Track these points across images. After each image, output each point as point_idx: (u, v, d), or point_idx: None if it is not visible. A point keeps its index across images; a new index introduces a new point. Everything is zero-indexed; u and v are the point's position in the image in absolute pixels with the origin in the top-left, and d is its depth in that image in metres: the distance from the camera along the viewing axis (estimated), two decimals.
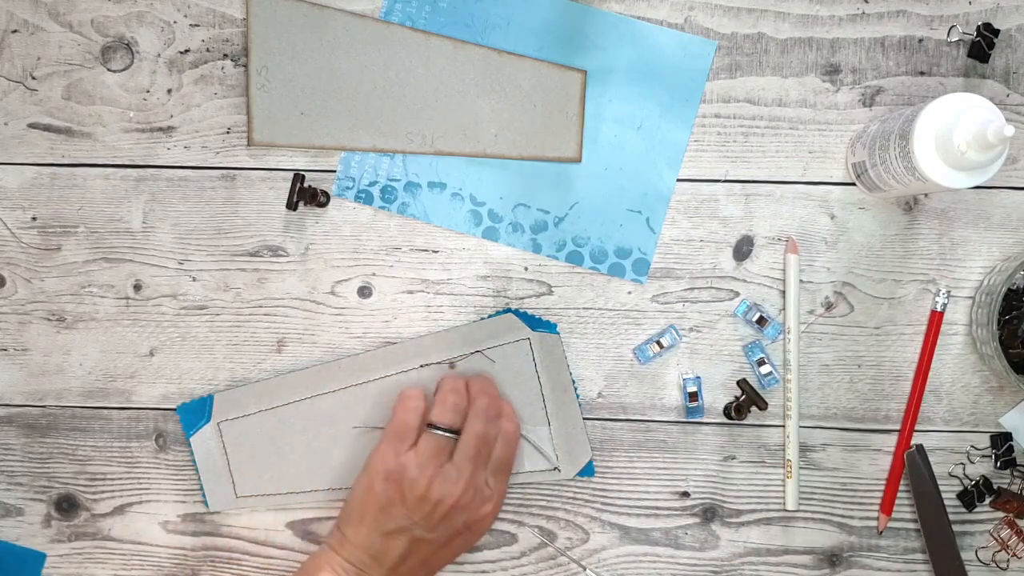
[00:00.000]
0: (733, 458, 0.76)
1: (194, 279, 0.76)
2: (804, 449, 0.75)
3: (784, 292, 0.75)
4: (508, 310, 0.74)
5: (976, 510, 0.75)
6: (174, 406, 0.76)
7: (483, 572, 0.76)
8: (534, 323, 0.74)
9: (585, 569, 0.76)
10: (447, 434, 0.70)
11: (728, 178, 0.75)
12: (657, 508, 0.76)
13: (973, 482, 0.75)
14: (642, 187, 0.75)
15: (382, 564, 0.69)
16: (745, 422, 0.75)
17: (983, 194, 0.75)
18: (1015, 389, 0.74)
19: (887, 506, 0.75)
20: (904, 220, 0.75)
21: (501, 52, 0.74)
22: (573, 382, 0.75)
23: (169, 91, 0.75)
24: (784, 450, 0.75)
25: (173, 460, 0.76)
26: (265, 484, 0.75)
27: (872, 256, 0.75)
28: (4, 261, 0.76)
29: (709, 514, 0.76)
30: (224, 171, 0.75)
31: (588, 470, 0.75)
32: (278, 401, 0.75)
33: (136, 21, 0.75)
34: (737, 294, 0.75)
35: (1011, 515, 0.74)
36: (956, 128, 0.62)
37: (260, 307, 0.76)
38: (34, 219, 0.76)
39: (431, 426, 0.70)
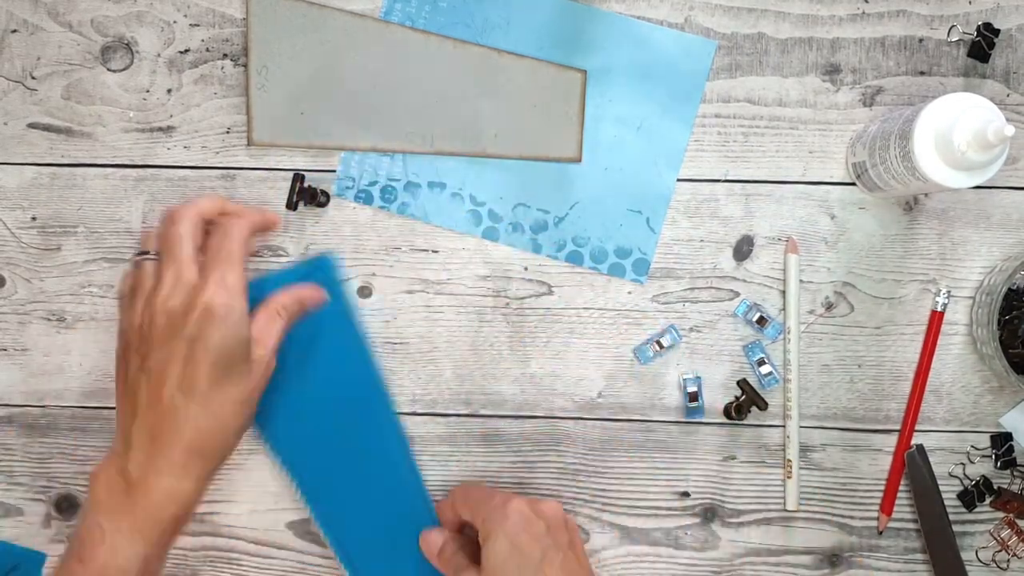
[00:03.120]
0: (733, 458, 0.76)
1: None
2: (804, 449, 0.75)
3: (784, 292, 0.75)
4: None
5: (976, 510, 0.75)
6: None
7: None
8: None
9: None
10: (150, 257, 0.68)
11: (728, 178, 0.75)
12: (657, 508, 0.76)
13: (973, 482, 0.75)
14: (642, 187, 0.75)
15: (136, 407, 0.65)
16: (745, 422, 0.75)
17: (983, 194, 0.75)
18: (1015, 389, 0.74)
19: (887, 506, 0.75)
20: (904, 220, 0.75)
21: (501, 52, 0.74)
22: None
23: (169, 91, 0.75)
24: (784, 450, 0.75)
25: None
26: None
27: (872, 256, 0.75)
28: (4, 261, 0.76)
29: (709, 514, 0.76)
30: (224, 171, 0.75)
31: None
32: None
33: (136, 21, 0.75)
34: (737, 294, 0.75)
35: (1011, 515, 0.74)
36: (956, 128, 0.62)
37: None
38: (34, 219, 0.76)
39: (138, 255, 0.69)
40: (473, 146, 0.75)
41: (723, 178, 0.75)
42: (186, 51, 0.75)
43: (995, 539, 0.75)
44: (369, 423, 0.74)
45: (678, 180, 0.75)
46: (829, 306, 0.75)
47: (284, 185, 0.75)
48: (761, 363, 0.75)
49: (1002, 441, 0.74)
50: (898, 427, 0.75)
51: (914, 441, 0.75)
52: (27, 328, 0.76)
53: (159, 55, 0.75)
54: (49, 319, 0.76)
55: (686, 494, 0.76)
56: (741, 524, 0.76)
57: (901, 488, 0.75)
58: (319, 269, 0.74)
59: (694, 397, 0.75)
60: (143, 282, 0.67)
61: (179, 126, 0.75)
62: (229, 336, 0.65)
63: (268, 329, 0.68)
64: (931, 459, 0.74)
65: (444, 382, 0.76)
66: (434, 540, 0.71)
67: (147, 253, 0.68)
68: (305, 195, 0.74)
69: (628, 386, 0.75)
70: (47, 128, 0.75)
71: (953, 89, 0.74)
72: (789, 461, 0.75)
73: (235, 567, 0.76)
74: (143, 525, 0.64)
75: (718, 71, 0.75)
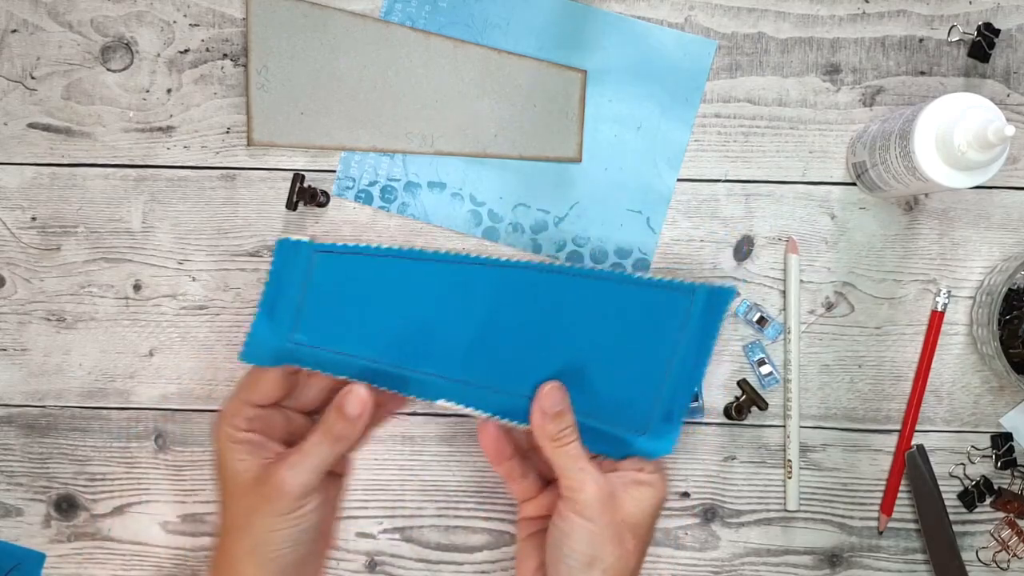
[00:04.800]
0: (733, 458, 0.76)
1: (194, 279, 0.76)
2: (804, 449, 0.75)
3: (784, 292, 0.75)
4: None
5: (976, 510, 0.75)
6: (174, 407, 0.76)
7: (483, 572, 0.76)
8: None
9: None
10: None
11: (728, 178, 0.75)
12: None
13: (973, 482, 0.75)
14: (642, 187, 0.75)
15: None
16: (745, 422, 0.75)
17: (983, 194, 0.75)
18: (1015, 389, 0.74)
19: (887, 506, 0.75)
20: (904, 220, 0.75)
21: (501, 52, 0.74)
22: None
23: (169, 91, 0.75)
24: (784, 450, 0.75)
25: (173, 460, 0.76)
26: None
27: (872, 256, 0.75)
28: (4, 261, 0.76)
29: (709, 514, 0.76)
30: (224, 171, 0.75)
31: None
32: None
33: (136, 21, 0.75)
34: (737, 294, 0.75)
35: (1011, 515, 0.74)
36: (956, 128, 0.62)
37: None
38: (34, 219, 0.76)
39: None
40: (473, 146, 0.75)
41: (723, 178, 0.75)
42: (186, 51, 0.75)
43: (995, 539, 0.75)
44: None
45: (678, 180, 0.75)
46: (829, 306, 0.75)
47: (284, 185, 0.75)
48: (761, 363, 0.75)
49: (1002, 441, 0.74)
50: (898, 427, 0.75)
51: (914, 441, 0.75)
52: (27, 328, 0.76)
53: (159, 55, 0.75)
54: (49, 319, 0.76)
55: (686, 494, 0.76)
56: (741, 524, 0.76)
57: (901, 488, 0.75)
58: (716, 301, 0.62)
59: (694, 397, 0.75)
60: None
61: (179, 126, 0.75)
62: (218, 466, 0.62)
63: (300, 466, 0.60)
64: (931, 459, 0.74)
65: None
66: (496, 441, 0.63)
67: None
68: (305, 195, 0.74)
69: None
70: (47, 128, 0.75)
71: (953, 89, 0.74)
72: (789, 461, 0.75)
73: None
74: None
75: (718, 71, 0.75)
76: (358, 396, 0.61)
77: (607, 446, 0.63)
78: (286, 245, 0.63)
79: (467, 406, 0.63)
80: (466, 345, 0.63)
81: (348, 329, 0.63)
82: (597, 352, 0.63)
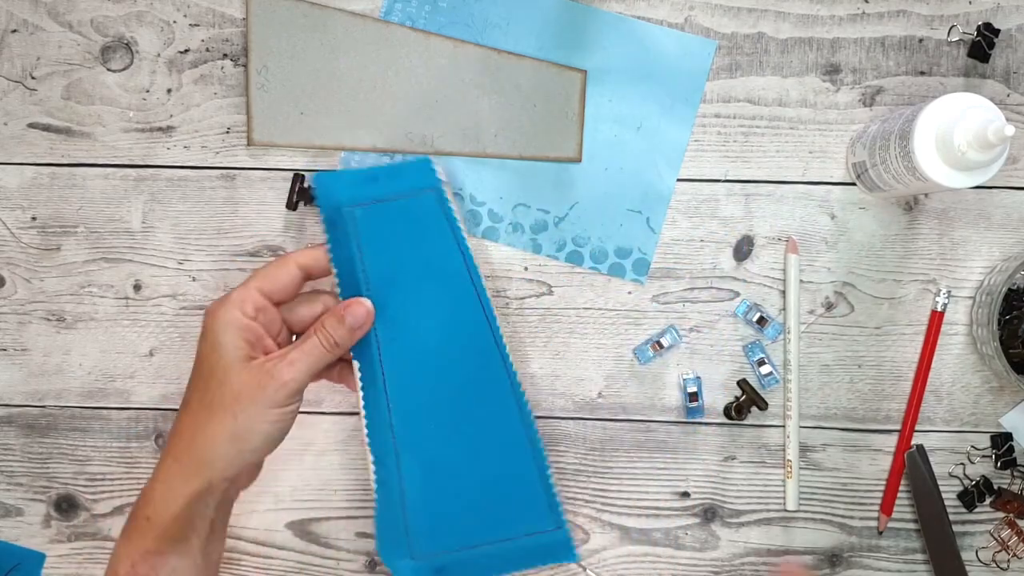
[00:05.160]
0: (733, 458, 0.76)
1: (194, 279, 0.76)
2: (804, 449, 0.75)
3: (784, 292, 0.75)
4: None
5: (976, 510, 0.75)
6: (174, 407, 0.76)
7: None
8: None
9: (585, 569, 0.75)
10: None
11: (728, 178, 0.75)
12: (657, 508, 0.76)
13: (973, 482, 0.75)
14: (642, 187, 0.75)
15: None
16: (745, 422, 0.75)
17: (983, 194, 0.75)
18: (1015, 389, 0.74)
19: (887, 506, 0.75)
20: (904, 220, 0.75)
21: (501, 52, 0.74)
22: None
23: (169, 91, 0.75)
24: (784, 450, 0.75)
25: None
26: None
27: (872, 256, 0.75)
28: (4, 261, 0.76)
29: (709, 514, 0.76)
30: (224, 171, 0.75)
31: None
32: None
33: (136, 21, 0.75)
34: (737, 294, 0.75)
35: (1011, 515, 0.74)
36: (956, 128, 0.62)
37: None
38: (34, 219, 0.76)
39: None
40: (473, 146, 0.75)
41: (723, 178, 0.75)
42: (186, 51, 0.75)
43: (995, 539, 0.75)
44: (479, 373, 0.69)
45: (678, 180, 0.75)
46: (829, 306, 0.75)
47: (284, 185, 0.75)
48: (761, 363, 0.75)
49: (1002, 441, 0.74)
50: (898, 427, 0.75)
51: (914, 441, 0.75)
52: (27, 328, 0.76)
53: (159, 55, 0.75)
54: (49, 319, 0.76)
55: (686, 494, 0.76)
56: (741, 524, 0.76)
57: (901, 488, 0.75)
58: (419, 174, 0.70)
59: (694, 397, 0.75)
60: None
61: (179, 126, 0.75)
62: (208, 345, 0.64)
63: (299, 363, 0.64)
64: (931, 459, 0.74)
65: None
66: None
67: None
68: (305, 195, 0.74)
69: (628, 386, 0.75)
70: (47, 128, 0.75)
71: (953, 89, 0.74)
72: (789, 461, 0.75)
73: (235, 567, 0.76)
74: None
75: (718, 71, 0.75)
76: (363, 307, 0.66)
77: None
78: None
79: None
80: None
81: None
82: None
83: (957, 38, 0.74)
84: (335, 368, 0.69)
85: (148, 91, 0.75)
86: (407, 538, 0.67)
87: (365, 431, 0.68)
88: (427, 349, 0.68)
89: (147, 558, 0.63)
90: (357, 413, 0.74)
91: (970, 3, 0.74)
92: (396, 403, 0.67)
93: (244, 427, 0.62)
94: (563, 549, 0.68)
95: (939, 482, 0.74)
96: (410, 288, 0.69)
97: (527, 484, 0.68)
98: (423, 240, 0.69)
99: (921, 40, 0.74)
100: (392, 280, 0.68)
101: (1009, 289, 0.72)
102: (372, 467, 0.68)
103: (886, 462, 0.75)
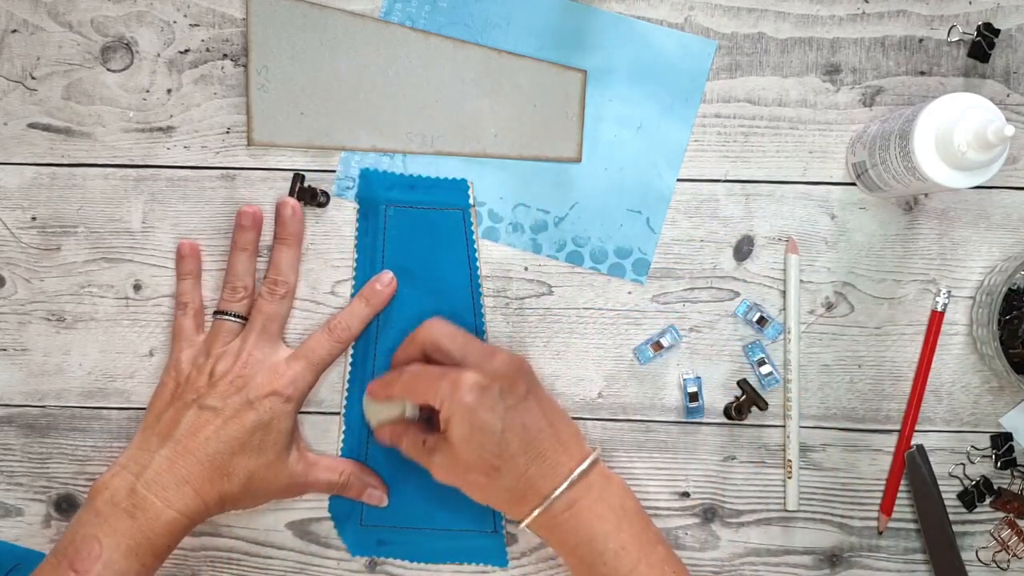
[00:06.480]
0: (733, 458, 0.76)
1: None
2: (804, 449, 0.75)
3: (784, 292, 0.75)
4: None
5: (976, 510, 0.75)
6: None
7: (483, 572, 0.76)
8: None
9: None
10: (235, 319, 0.73)
11: (728, 178, 0.75)
12: (657, 508, 0.76)
13: (973, 482, 0.75)
14: (642, 187, 0.75)
15: (164, 436, 0.69)
16: (745, 422, 0.75)
17: (983, 194, 0.75)
18: (1015, 389, 0.74)
19: (887, 506, 0.75)
20: (904, 220, 0.75)
21: (501, 52, 0.74)
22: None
23: (169, 91, 0.75)
24: (784, 450, 0.75)
25: None
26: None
27: (872, 256, 0.75)
28: (4, 261, 0.76)
29: (709, 514, 0.76)
30: (224, 171, 0.75)
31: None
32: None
33: (136, 21, 0.75)
34: (737, 294, 0.75)
35: (1011, 515, 0.74)
36: (956, 128, 0.62)
37: None
38: (34, 219, 0.76)
39: (219, 313, 0.73)
40: (473, 146, 0.75)
41: (723, 178, 0.75)
42: (186, 51, 0.75)
43: (995, 539, 0.75)
44: None
45: (678, 180, 0.75)
46: (829, 306, 0.75)
47: (284, 185, 0.75)
48: (761, 363, 0.75)
49: (1002, 441, 0.74)
50: (898, 427, 0.75)
51: (914, 441, 0.75)
52: (27, 328, 0.76)
53: (159, 55, 0.75)
54: (49, 319, 0.76)
55: (686, 494, 0.76)
56: (741, 524, 0.76)
57: (901, 488, 0.75)
58: (454, 192, 0.75)
59: (694, 397, 0.75)
60: (223, 332, 0.72)
61: (179, 126, 0.75)
62: (282, 430, 0.70)
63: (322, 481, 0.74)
64: (931, 459, 0.74)
65: None
66: (391, 434, 0.72)
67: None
68: (305, 195, 0.74)
69: (628, 386, 0.75)
70: (47, 128, 0.75)
71: (953, 89, 0.74)
72: (789, 461, 0.75)
73: (235, 567, 0.76)
74: (140, 547, 0.66)
75: (718, 71, 0.75)
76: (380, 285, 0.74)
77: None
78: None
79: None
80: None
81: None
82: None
83: (957, 38, 0.74)
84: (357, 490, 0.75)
85: (148, 91, 0.75)
86: (361, 508, 0.75)
87: (344, 396, 0.75)
88: None
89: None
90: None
91: (970, 3, 0.74)
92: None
93: (262, 483, 0.71)
94: (495, 552, 0.75)
95: (939, 482, 0.74)
96: (417, 287, 0.74)
97: None
98: (440, 250, 0.74)
99: (921, 40, 0.74)
100: (403, 277, 0.74)
101: (1009, 289, 0.72)
102: (342, 435, 0.75)
103: (886, 462, 0.75)
